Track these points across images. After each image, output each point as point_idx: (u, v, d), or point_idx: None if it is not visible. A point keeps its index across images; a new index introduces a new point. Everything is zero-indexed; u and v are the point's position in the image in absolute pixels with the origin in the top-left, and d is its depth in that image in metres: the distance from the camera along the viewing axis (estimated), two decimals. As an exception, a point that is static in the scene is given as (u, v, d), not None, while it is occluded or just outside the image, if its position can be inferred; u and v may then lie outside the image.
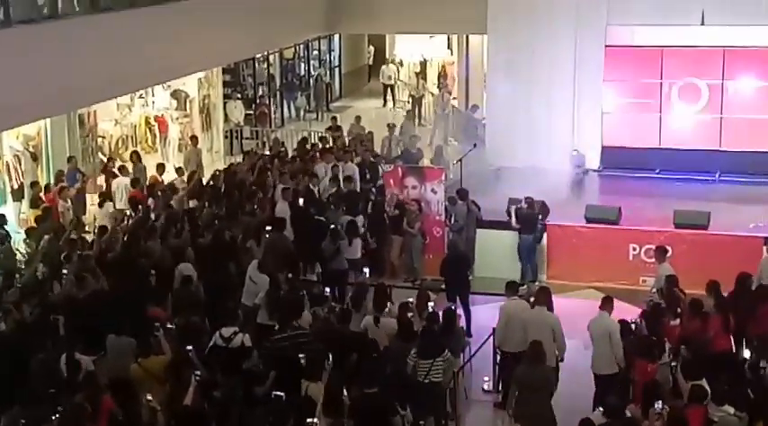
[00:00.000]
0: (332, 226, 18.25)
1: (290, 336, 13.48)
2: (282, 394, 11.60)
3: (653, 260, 17.54)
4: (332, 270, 17.71)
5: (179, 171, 22.28)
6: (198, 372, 12.07)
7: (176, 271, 15.92)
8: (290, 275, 16.43)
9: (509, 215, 19.38)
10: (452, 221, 19.50)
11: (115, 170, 21.92)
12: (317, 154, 23.47)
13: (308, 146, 24.96)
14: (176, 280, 15.71)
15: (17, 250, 18.03)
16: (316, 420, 11.31)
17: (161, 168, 22.37)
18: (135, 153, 23.73)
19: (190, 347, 12.73)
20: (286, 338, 13.46)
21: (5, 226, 18.18)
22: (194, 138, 25.44)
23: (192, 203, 19.97)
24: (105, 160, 23.68)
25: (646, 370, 12.94)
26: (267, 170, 21.78)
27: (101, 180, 23.48)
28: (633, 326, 14.19)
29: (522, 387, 13.07)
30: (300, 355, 12.85)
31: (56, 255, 16.65)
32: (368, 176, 22.24)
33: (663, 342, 13.62)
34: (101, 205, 20.20)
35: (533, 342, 13.34)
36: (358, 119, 27.55)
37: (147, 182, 21.59)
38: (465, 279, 17.51)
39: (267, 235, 17.74)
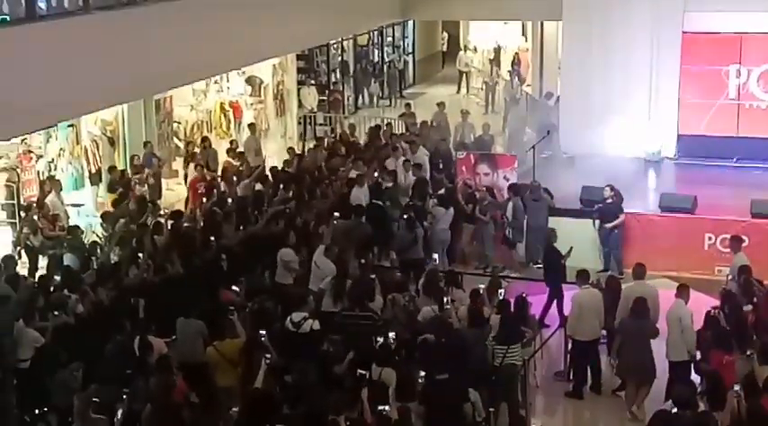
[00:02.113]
0: (407, 215, 18.19)
1: (357, 316, 13.65)
2: (366, 372, 11.65)
3: (728, 249, 17.32)
4: (409, 259, 17.55)
5: (240, 156, 22.45)
6: (269, 355, 12.16)
7: (278, 257, 16.13)
8: (362, 261, 16.46)
9: (593, 217, 19.28)
10: (506, 217, 19.44)
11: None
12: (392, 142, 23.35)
13: (383, 135, 24.73)
14: (280, 265, 16.00)
15: (94, 233, 18.34)
16: (387, 407, 11.35)
17: (232, 153, 22.58)
18: (205, 138, 23.95)
19: (263, 331, 12.84)
20: (352, 316, 13.61)
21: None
22: (252, 126, 25.55)
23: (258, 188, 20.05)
24: (183, 145, 23.95)
25: (721, 362, 12.80)
26: (338, 156, 21.83)
27: (176, 164, 23.79)
28: (715, 316, 13.99)
29: (625, 338, 13.87)
30: (375, 338, 12.97)
31: (131, 239, 16.89)
32: (440, 165, 22.09)
33: (744, 333, 13.45)
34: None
35: (637, 298, 14.02)
36: (441, 105, 27.49)
37: (221, 167, 21.86)
38: (559, 267, 16.97)
39: (335, 221, 17.72)
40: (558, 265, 16.80)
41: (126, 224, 17.62)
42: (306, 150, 24.23)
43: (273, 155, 25.05)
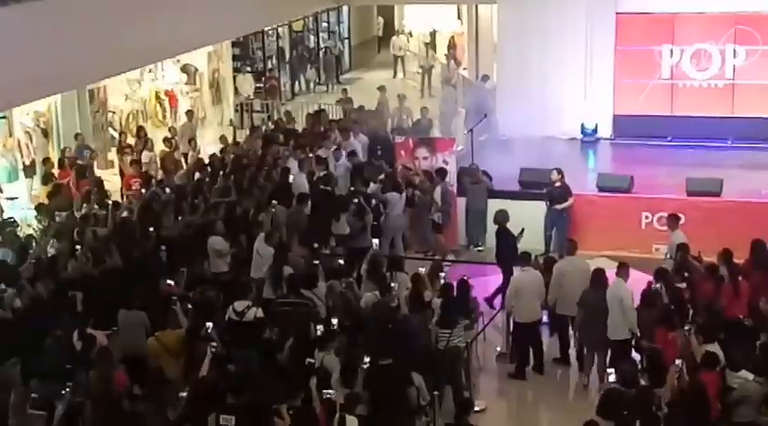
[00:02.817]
0: (356, 201, 18.08)
1: (293, 302, 13.64)
2: (313, 360, 11.63)
3: (665, 227, 17.52)
4: (357, 247, 17.26)
5: (171, 143, 22.32)
6: (214, 344, 12.10)
7: (208, 245, 16.01)
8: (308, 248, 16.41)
9: (545, 199, 19.28)
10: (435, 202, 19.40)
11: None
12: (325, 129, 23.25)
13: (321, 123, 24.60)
14: (211, 254, 15.88)
15: (29, 226, 18.08)
16: (332, 390, 11.36)
17: (168, 142, 22.41)
18: (141, 128, 23.72)
19: (210, 323, 12.77)
20: (289, 303, 13.62)
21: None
22: (190, 112, 25.39)
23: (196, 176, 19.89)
24: (117, 135, 23.70)
25: (666, 339, 12.95)
26: (276, 143, 21.70)
27: (111, 155, 23.52)
28: (657, 291, 14.16)
29: (587, 310, 14.18)
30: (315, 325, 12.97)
31: (69, 231, 16.67)
32: (379, 151, 21.85)
33: (681, 309, 13.64)
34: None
35: (596, 269, 14.52)
36: (382, 89, 27.40)
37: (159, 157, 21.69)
38: (512, 249, 16.74)
39: (273, 209, 17.60)
40: (511, 247, 16.66)
41: (68, 216, 17.37)
42: (236, 138, 24.12)
43: (211, 143, 24.85)
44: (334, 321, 13.15)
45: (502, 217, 17.23)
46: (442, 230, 19.52)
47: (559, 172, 19.27)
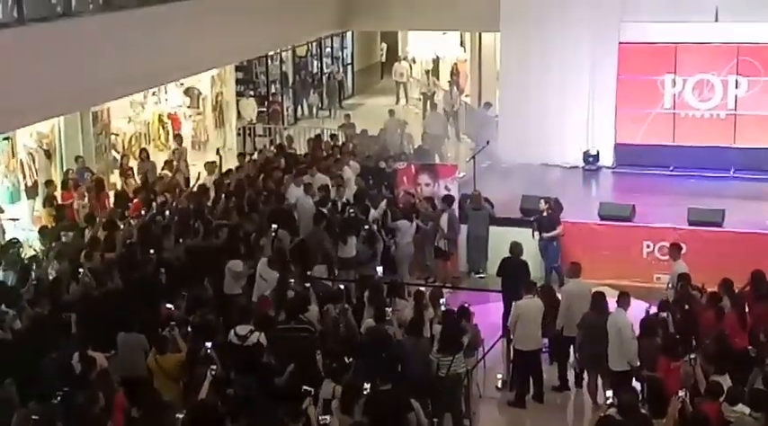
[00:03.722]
0: (367, 227, 18.04)
1: (292, 328, 13.61)
2: (311, 389, 11.59)
3: (667, 257, 17.53)
4: (366, 275, 16.82)
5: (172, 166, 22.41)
6: (214, 367, 12.05)
7: (226, 269, 16.05)
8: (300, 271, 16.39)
9: (533, 228, 19.26)
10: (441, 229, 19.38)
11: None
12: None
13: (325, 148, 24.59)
14: (229, 275, 15.98)
15: (31, 247, 18.07)
16: (329, 417, 11.30)
17: (168, 165, 22.42)
18: (144, 150, 23.75)
19: (209, 344, 12.74)
20: (288, 329, 13.60)
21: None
22: (178, 136, 25.54)
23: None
24: (119, 158, 23.72)
25: (668, 368, 12.92)
26: (277, 169, 21.68)
27: (114, 177, 23.54)
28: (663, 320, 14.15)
29: (587, 331, 14.36)
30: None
31: (73, 253, 16.65)
32: (370, 180, 21.58)
33: (689, 339, 13.62)
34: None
35: (596, 292, 14.73)
36: (392, 112, 27.29)
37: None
38: (522, 279, 16.30)
39: (273, 233, 17.55)
40: (522, 278, 16.31)
41: (75, 237, 17.37)
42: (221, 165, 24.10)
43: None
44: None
45: (518, 249, 17.12)
46: (449, 257, 19.52)
47: (546, 201, 19.27)
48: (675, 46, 23.98)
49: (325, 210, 18.83)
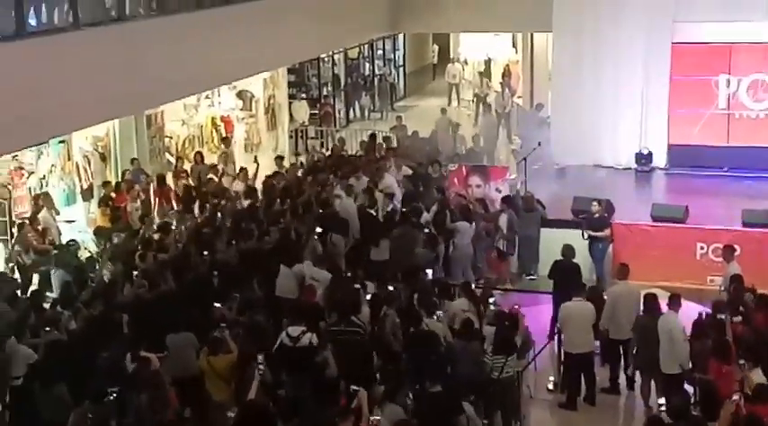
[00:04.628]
0: (427, 231, 18.00)
1: (344, 330, 13.66)
2: (359, 388, 11.62)
3: (721, 259, 17.37)
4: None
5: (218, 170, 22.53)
6: (261, 367, 12.10)
7: (291, 272, 16.03)
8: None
9: (581, 228, 19.14)
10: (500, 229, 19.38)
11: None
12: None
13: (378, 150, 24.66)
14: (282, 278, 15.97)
15: (86, 249, 18.31)
16: (378, 417, 11.32)
17: (215, 169, 22.60)
18: (198, 153, 23.95)
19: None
20: (340, 331, 13.63)
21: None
22: (225, 139, 25.71)
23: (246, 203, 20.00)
24: (174, 161, 23.94)
25: (720, 372, 12.81)
26: (322, 171, 21.76)
27: (168, 179, 23.75)
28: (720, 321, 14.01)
29: (641, 335, 14.38)
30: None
31: (127, 255, 16.85)
32: (420, 186, 21.31)
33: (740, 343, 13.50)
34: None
35: (648, 294, 14.68)
36: (444, 111, 27.18)
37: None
38: (575, 283, 16.11)
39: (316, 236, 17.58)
40: (574, 281, 16.14)
41: (127, 238, 17.58)
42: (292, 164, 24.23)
43: (266, 170, 24.99)
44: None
45: (570, 252, 17.01)
46: (506, 258, 19.49)
47: (600, 203, 19.16)
48: (730, 46, 23.78)
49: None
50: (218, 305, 14.47)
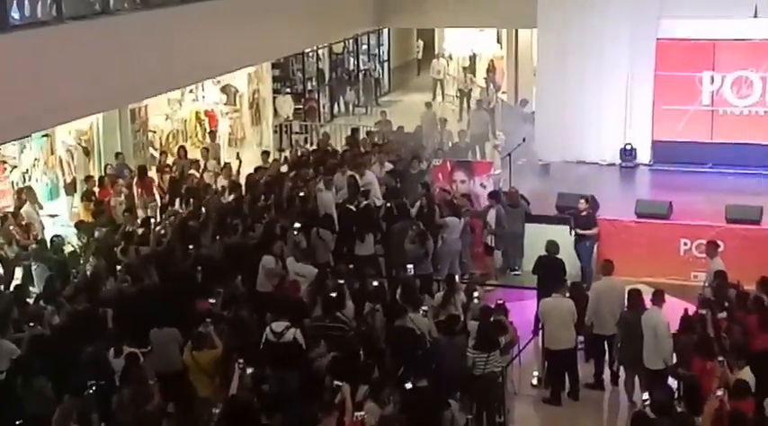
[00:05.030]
0: (415, 227, 17.94)
1: (327, 326, 13.67)
2: (343, 383, 11.60)
3: (704, 255, 17.41)
4: (420, 274, 16.77)
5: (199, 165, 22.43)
6: (241, 361, 12.07)
7: (260, 264, 16.07)
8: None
9: (569, 224, 19.12)
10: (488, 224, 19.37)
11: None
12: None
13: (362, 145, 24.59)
14: (262, 272, 15.99)
15: (69, 244, 18.25)
16: (364, 413, 11.32)
17: (196, 164, 22.51)
18: (182, 147, 23.85)
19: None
20: (323, 327, 13.65)
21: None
22: (212, 133, 25.71)
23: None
24: (157, 155, 23.86)
25: (704, 368, 12.83)
26: (305, 166, 21.70)
27: (151, 173, 23.68)
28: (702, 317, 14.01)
29: (625, 330, 14.28)
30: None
31: (109, 249, 16.79)
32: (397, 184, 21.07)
33: (722, 339, 13.54)
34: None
35: (632, 290, 14.64)
36: (428, 105, 27.13)
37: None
38: (558, 279, 16.10)
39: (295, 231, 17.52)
40: (557, 275, 16.17)
41: (109, 233, 17.51)
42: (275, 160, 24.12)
43: (250, 165, 24.93)
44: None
45: (554, 248, 16.98)
46: (493, 253, 19.48)
47: (587, 200, 19.16)
48: (714, 42, 23.81)
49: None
50: (203, 299, 14.42)
